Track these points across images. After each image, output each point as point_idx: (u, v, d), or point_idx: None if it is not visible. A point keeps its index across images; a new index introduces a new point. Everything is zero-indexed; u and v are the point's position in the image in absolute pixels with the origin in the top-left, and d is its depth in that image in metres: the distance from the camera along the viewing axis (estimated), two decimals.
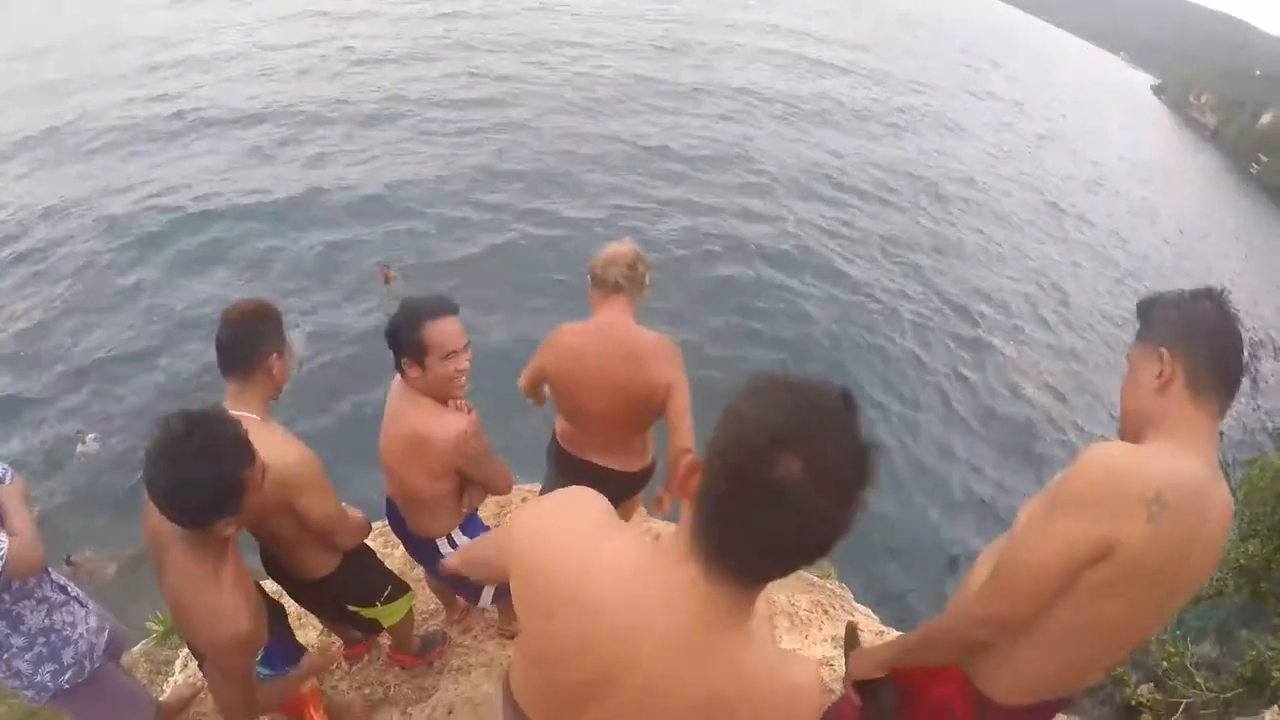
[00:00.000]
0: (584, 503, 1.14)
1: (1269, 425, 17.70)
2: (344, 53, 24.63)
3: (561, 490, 1.20)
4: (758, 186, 19.47)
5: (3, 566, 1.95)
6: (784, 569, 0.92)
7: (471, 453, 2.32)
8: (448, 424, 2.27)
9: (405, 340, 2.24)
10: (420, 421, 2.28)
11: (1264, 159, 60.31)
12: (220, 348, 2.10)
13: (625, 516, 3.37)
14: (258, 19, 27.92)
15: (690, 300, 13.53)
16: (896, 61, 42.39)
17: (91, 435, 9.13)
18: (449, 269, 13.34)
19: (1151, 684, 7.73)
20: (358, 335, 11.13)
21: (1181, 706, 7.45)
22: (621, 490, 2.93)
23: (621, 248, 2.67)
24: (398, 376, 2.38)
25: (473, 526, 2.65)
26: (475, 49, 25.97)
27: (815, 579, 4.30)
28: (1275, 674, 7.11)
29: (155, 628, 3.81)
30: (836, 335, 13.99)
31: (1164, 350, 1.52)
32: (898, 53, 45.86)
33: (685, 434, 2.56)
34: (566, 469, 2.93)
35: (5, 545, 1.97)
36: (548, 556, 1.05)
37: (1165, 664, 7.86)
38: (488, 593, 2.81)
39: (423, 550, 2.66)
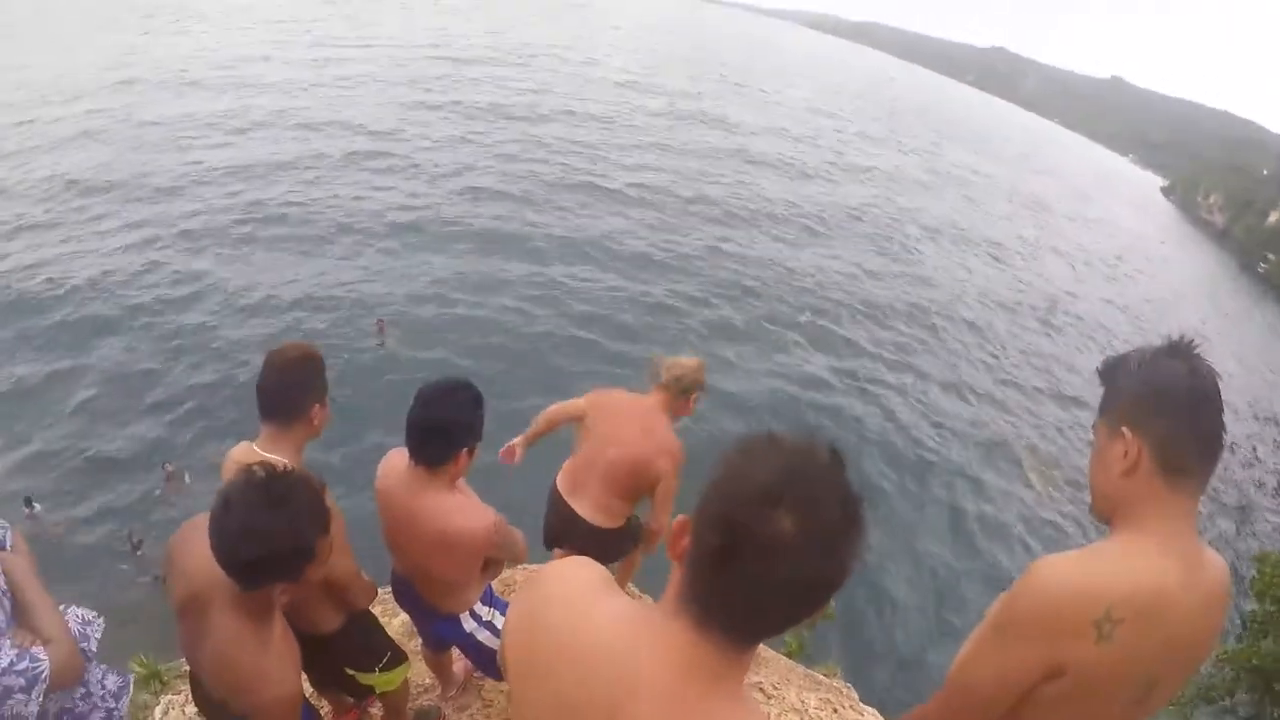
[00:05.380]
0: (582, 567, 1.14)
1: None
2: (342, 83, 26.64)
3: (561, 559, 1.22)
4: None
5: (46, 684, 1.70)
6: (776, 626, 0.91)
7: (501, 541, 2.32)
8: (477, 519, 2.23)
9: (478, 428, 2.17)
10: (449, 520, 2.20)
11: (1271, 257, 60.74)
12: (262, 393, 2.03)
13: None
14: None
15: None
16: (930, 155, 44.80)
17: (39, 505, 8.97)
18: (437, 326, 13.67)
19: None
20: (354, 385, 11.30)
21: None
22: (589, 540, 3.17)
23: (689, 361, 3.17)
24: (398, 461, 2.25)
25: (489, 595, 2.65)
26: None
27: (822, 677, 4.19)
28: None
29: (138, 669, 3.62)
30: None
31: (1125, 429, 1.33)
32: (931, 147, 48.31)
33: (663, 518, 3.13)
34: (551, 505, 3.31)
35: (45, 661, 1.71)
36: (546, 615, 1.06)
37: None
38: None
39: (442, 625, 2.61)
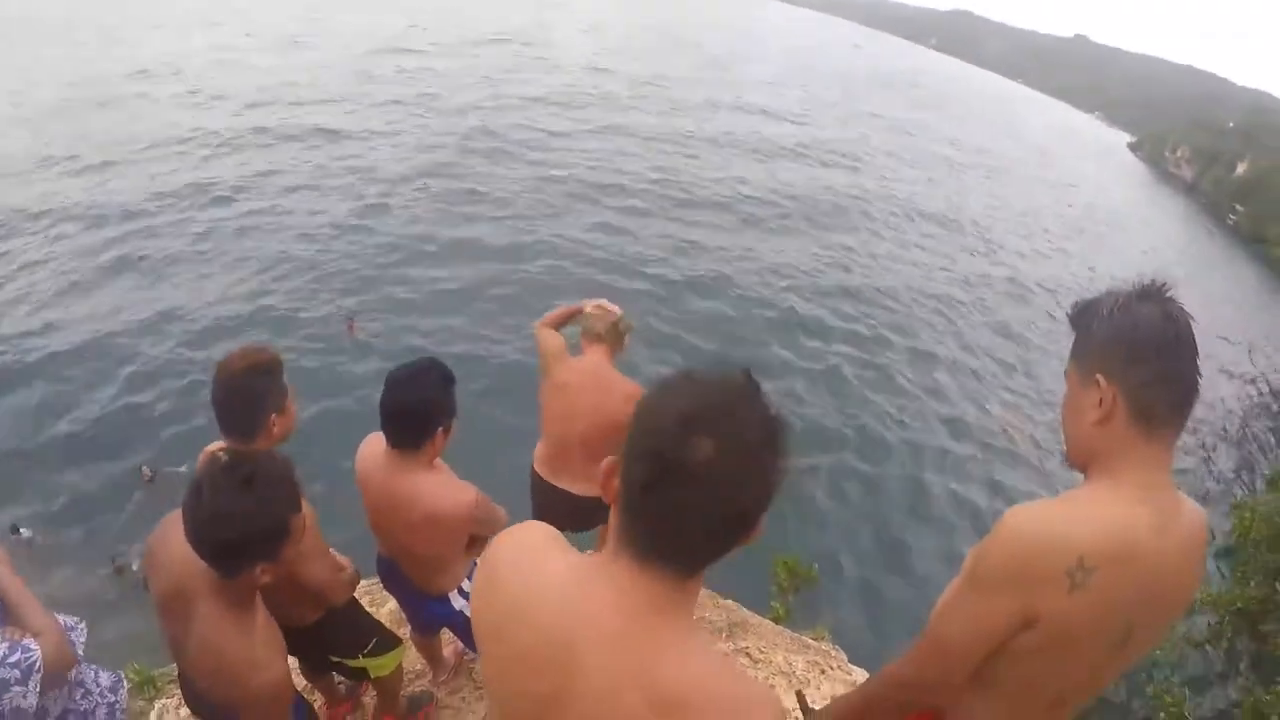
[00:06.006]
0: (532, 528, 1.17)
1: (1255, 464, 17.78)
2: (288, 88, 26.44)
3: (515, 525, 1.24)
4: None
5: (41, 674, 1.72)
6: (712, 551, 0.92)
7: (484, 517, 2.32)
8: (459, 497, 2.24)
9: (451, 406, 2.19)
10: (430, 500, 2.21)
11: (1240, 209, 61.50)
12: (216, 407, 1.94)
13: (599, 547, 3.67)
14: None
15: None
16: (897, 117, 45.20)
17: (25, 530, 8.95)
18: (407, 318, 13.76)
19: None
20: (332, 385, 11.38)
21: None
22: (579, 513, 3.22)
23: (607, 311, 3.21)
24: (376, 446, 2.26)
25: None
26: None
27: (810, 641, 4.22)
28: (1274, 719, 7.04)
29: (131, 677, 3.58)
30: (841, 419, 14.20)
31: (1100, 377, 1.30)
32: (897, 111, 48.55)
33: None
34: (536, 491, 3.39)
35: (36, 651, 1.74)
36: (500, 576, 1.07)
37: (1163, 715, 7.77)
38: None
39: (431, 606, 2.61)
